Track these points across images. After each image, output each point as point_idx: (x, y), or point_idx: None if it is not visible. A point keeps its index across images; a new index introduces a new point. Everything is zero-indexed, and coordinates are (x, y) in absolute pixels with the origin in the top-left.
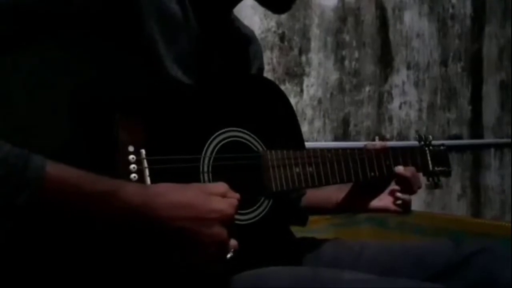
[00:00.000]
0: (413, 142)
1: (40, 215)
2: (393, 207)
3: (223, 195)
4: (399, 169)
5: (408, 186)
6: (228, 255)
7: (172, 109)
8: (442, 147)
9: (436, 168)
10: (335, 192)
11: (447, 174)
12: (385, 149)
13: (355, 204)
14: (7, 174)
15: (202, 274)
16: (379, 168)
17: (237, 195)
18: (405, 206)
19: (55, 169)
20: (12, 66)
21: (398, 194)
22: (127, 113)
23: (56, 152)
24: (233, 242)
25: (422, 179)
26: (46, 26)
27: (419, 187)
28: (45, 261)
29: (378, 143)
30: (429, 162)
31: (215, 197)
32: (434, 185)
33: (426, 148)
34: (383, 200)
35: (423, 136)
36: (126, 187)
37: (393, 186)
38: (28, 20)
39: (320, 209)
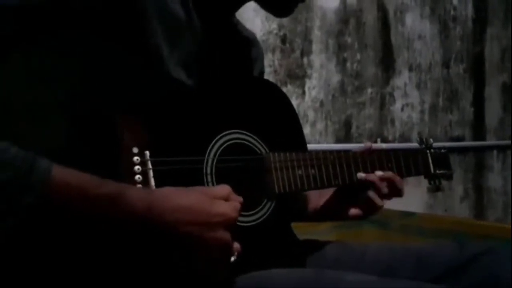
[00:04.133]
0: (416, 144)
1: (45, 217)
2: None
3: (226, 198)
4: (360, 175)
5: (377, 190)
6: (232, 259)
7: (176, 111)
8: (443, 150)
9: (437, 171)
10: (316, 199)
11: (449, 177)
12: (371, 151)
13: (334, 211)
14: (13, 177)
15: (206, 278)
16: (381, 170)
17: (240, 198)
18: (369, 204)
19: (60, 172)
20: (14, 67)
21: (369, 193)
22: (131, 114)
23: (60, 153)
24: (236, 246)
25: (424, 182)
26: (48, 26)
27: (396, 193)
28: (50, 263)
29: (365, 145)
30: (431, 165)
31: (218, 200)
32: (436, 188)
33: (427, 151)
34: (362, 208)
35: (424, 139)
36: (131, 191)
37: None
38: (30, 20)
39: (301, 215)
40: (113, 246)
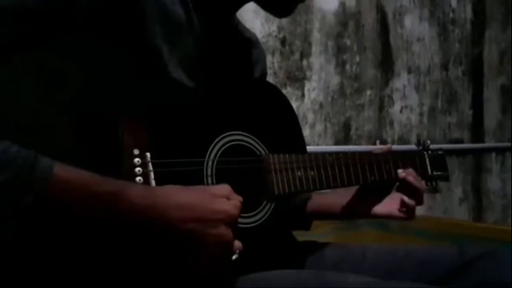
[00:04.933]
0: (414, 147)
1: (46, 216)
2: (396, 212)
3: (227, 197)
4: (402, 173)
5: (413, 189)
6: (234, 257)
7: (176, 112)
8: (440, 152)
9: (434, 173)
10: (340, 198)
11: (445, 178)
12: (389, 152)
13: (357, 210)
14: (15, 175)
15: (207, 276)
16: (379, 172)
17: (240, 198)
18: (410, 212)
19: (61, 171)
20: (16, 69)
21: (405, 199)
22: (131, 116)
23: (61, 154)
24: (237, 244)
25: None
26: (48, 29)
27: (423, 191)
28: (51, 262)
29: (383, 147)
30: (428, 166)
31: (219, 198)
32: (433, 190)
33: (425, 153)
34: (386, 206)
35: (421, 141)
36: (132, 189)
37: (394, 192)
38: (31, 23)
39: (324, 215)
40: (115, 244)
